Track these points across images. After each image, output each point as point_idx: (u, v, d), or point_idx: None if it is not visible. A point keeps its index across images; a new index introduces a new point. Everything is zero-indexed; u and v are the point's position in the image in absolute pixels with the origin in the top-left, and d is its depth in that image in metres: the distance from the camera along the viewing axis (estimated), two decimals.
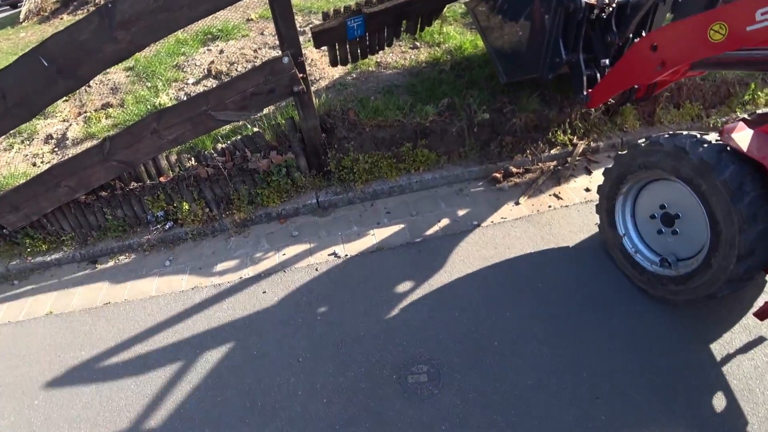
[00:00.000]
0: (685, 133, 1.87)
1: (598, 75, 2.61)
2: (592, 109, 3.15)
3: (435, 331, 2.11)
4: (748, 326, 1.95)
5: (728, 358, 1.85)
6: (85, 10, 10.80)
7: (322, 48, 3.04)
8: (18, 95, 2.50)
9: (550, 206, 2.78)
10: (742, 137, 1.69)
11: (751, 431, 1.62)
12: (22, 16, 13.67)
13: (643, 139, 2.04)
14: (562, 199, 2.84)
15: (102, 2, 10.32)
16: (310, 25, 4.63)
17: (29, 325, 2.68)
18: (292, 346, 2.15)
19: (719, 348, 1.89)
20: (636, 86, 2.62)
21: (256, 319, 2.34)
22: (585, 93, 2.61)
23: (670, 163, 1.84)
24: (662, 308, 2.07)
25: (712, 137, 1.80)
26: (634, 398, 1.76)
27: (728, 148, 1.71)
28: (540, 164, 3.08)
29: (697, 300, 1.93)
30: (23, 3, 15.52)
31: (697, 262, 1.86)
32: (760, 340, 1.89)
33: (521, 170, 3.04)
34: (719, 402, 1.71)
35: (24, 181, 3.08)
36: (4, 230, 3.11)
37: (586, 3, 2.34)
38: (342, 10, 2.83)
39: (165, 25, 2.35)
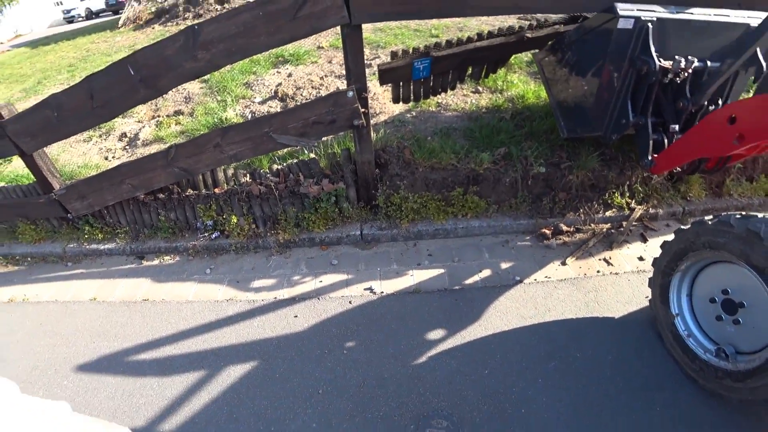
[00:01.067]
0: (760, 215, 1.73)
1: (666, 141, 2.50)
2: (654, 174, 3.01)
3: (461, 386, 2.00)
4: None
5: None
6: (175, 23, 11.78)
7: (387, 85, 3.12)
8: (104, 97, 2.71)
9: (598, 271, 2.63)
10: None
11: None
12: (120, 23, 15.11)
13: (711, 216, 1.90)
14: (612, 265, 2.68)
15: (190, 17, 11.14)
16: (377, 60, 4.81)
17: (73, 307, 2.82)
18: (314, 377, 2.11)
19: None
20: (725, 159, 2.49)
21: (283, 342, 2.33)
22: (650, 158, 2.49)
23: (740, 247, 1.69)
24: (712, 403, 1.87)
25: None
26: None
27: None
28: (593, 225, 2.95)
29: (756, 402, 1.73)
30: (123, 11, 17.09)
31: (761, 360, 1.67)
32: None
33: (572, 229, 2.92)
34: None
35: (94, 174, 3.30)
36: (69, 215, 3.33)
37: (660, 66, 2.27)
38: (410, 50, 2.90)
39: (242, 50, 2.49)
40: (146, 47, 2.57)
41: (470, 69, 3.14)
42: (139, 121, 4.66)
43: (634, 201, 3.04)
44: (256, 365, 2.21)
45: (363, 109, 2.64)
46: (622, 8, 2.25)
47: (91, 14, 29.39)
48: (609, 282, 2.56)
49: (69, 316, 2.76)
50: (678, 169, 2.71)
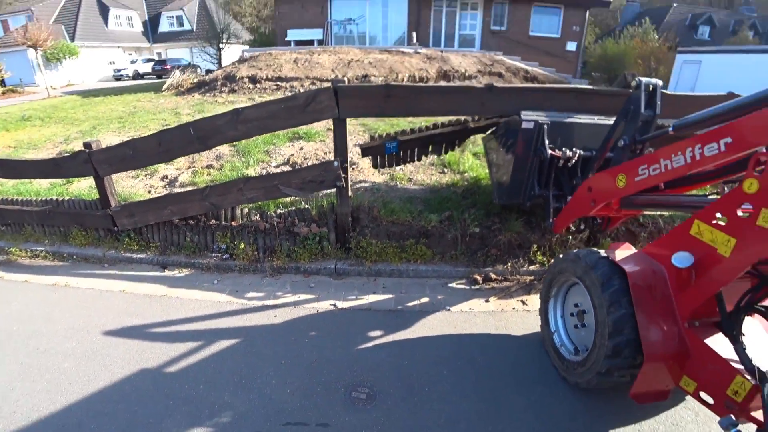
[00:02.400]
0: (586, 249, 2.65)
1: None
2: (569, 236, 3.93)
3: (385, 369, 2.81)
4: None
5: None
6: (212, 94, 13.54)
7: (367, 157, 4.25)
8: (168, 146, 3.83)
9: (514, 308, 3.48)
10: (621, 253, 2.43)
11: None
12: (164, 87, 17.17)
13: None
14: (526, 305, 3.52)
15: (226, 91, 12.95)
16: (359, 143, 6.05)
17: (106, 294, 3.74)
18: (281, 353, 2.94)
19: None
20: (598, 219, 3.44)
21: (264, 330, 3.18)
22: (551, 220, 3.46)
23: (572, 267, 2.59)
24: (578, 394, 2.62)
25: (601, 251, 2.54)
26: None
27: (607, 258, 2.43)
28: (518, 276, 3.84)
29: (593, 380, 2.39)
30: (168, 77, 19.37)
31: (589, 350, 2.43)
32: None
33: (500, 278, 3.81)
34: None
35: (144, 199, 4.35)
36: (116, 228, 4.32)
37: (551, 154, 3.31)
38: (384, 135, 4.05)
39: (268, 128, 3.65)
40: (205, 118, 3.74)
41: (431, 147, 4.25)
42: (178, 169, 5.79)
43: (552, 259, 3.93)
44: (241, 342, 3.05)
45: (344, 175, 3.71)
46: (525, 114, 3.37)
47: (137, 75, 32.59)
48: (520, 315, 3.39)
49: (101, 300, 3.65)
50: (572, 227, 3.66)
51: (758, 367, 1.80)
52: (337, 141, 3.70)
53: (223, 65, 22.55)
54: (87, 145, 4.11)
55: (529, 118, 3.36)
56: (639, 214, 3.62)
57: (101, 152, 4.08)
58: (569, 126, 3.46)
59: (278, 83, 12.68)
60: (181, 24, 38.76)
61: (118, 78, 31.59)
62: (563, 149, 3.36)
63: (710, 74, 18.07)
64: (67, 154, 4.98)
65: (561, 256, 2.81)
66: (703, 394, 2.02)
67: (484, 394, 2.64)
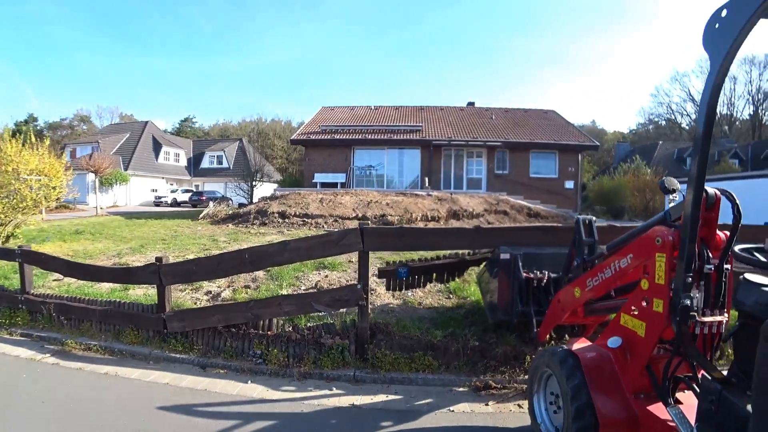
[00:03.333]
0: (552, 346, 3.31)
1: None
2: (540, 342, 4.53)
3: None
4: None
5: None
6: (245, 225, 15.06)
7: (383, 279, 5.18)
8: (225, 266, 4.84)
9: (510, 410, 3.95)
10: (579, 344, 3.11)
11: None
12: (201, 216, 19.04)
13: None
14: (522, 408, 3.94)
15: (257, 224, 14.62)
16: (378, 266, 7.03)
17: (152, 385, 4.40)
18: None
19: None
20: (576, 327, 4.20)
21: (293, 417, 3.74)
22: (535, 331, 4.18)
23: (545, 361, 3.21)
24: None
25: (564, 346, 3.20)
26: None
27: (566, 349, 3.08)
28: (515, 384, 4.34)
29: None
30: (202, 206, 21.42)
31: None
32: None
33: (499, 386, 4.31)
34: None
35: (194, 307, 5.19)
36: (166, 330, 5.08)
37: (526, 277, 4.26)
38: (398, 262, 5.03)
39: (309, 256, 4.70)
40: (258, 246, 4.84)
41: (435, 275, 5.18)
42: (219, 287, 6.73)
43: None
44: (273, 425, 3.59)
45: (365, 296, 4.58)
46: (503, 249, 4.42)
47: (174, 203, 35.81)
48: (515, 415, 3.85)
49: (148, 389, 4.28)
50: (553, 335, 4.37)
51: (691, 424, 2.35)
52: (361, 269, 4.67)
53: (254, 200, 25.07)
54: (158, 259, 5.14)
55: (506, 251, 4.41)
56: (604, 318, 4.24)
57: (169, 266, 5.09)
58: (537, 256, 4.51)
59: (305, 219, 14.26)
60: (220, 162, 43.72)
61: (158, 204, 34.82)
62: (534, 272, 4.34)
63: None
64: (140, 265, 6.02)
65: (535, 355, 3.49)
66: None
67: None
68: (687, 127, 58.37)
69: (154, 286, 6.37)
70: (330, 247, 4.64)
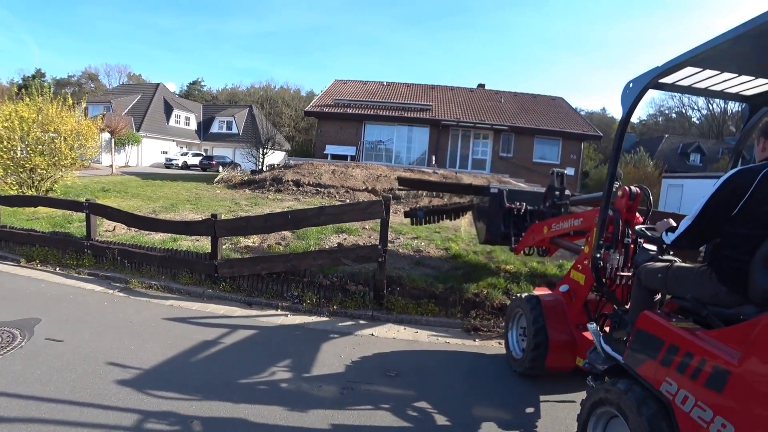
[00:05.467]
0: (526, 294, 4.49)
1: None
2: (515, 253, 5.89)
3: (407, 363, 4.47)
4: None
5: None
6: (261, 192, 16.02)
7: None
8: (270, 223, 5.94)
9: (492, 345, 5.11)
10: (541, 291, 4.31)
11: None
12: (216, 180, 19.95)
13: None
14: (501, 345, 5.05)
15: (273, 191, 15.67)
16: (404, 210, 8.16)
17: (211, 316, 5.50)
18: (339, 351, 4.65)
19: None
20: (543, 248, 5.51)
21: (324, 334, 4.91)
22: (513, 246, 5.49)
23: (518, 303, 4.38)
24: (520, 378, 4.24)
25: (533, 293, 4.39)
26: None
27: (534, 295, 4.25)
28: (497, 329, 5.50)
29: (528, 367, 4.08)
30: (211, 170, 22.32)
31: None
32: None
33: (485, 329, 5.48)
34: None
35: (240, 257, 6.33)
36: (216, 274, 6.23)
37: (508, 206, 5.57)
38: (418, 206, 6.28)
39: (341, 220, 5.81)
40: (298, 209, 5.90)
41: (444, 216, 6.55)
42: (253, 242, 7.86)
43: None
44: (316, 334, 4.77)
45: (384, 254, 5.70)
46: (493, 185, 5.76)
47: (185, 165, 36.57)
48: (496, 349, 4.98)
49: (207, 318, 5.43)
50: (525, 251, 5.65)
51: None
52: (382, 232, 5.78)
53: (264, 167, 25.98)
54: (214, 215, 6.23)
55: (496, 187, 5.79)
56: (562, 247, 5.35)
57: (223, 222, 6.20)
58: (520, 192, 5.90)
59: (318, 188, 15.30)
60: (230, 128, 44.30)
61: (168, 166, 35.58)
62: (515, 203, 5.67)
63: (692, 196, 20.98)
64: (198, 220, 7.15)
65: (510, 301, 4.66)
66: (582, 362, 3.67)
67: (469, 376, 4.33)
68: (697, 122, 58.66)
69: (199, 239, 7.56)
70: (359, 214, 5.74)
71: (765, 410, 1.80)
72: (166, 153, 39.06)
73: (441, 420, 3.59)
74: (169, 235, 7.81)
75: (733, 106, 51.58)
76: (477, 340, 5.31)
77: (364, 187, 15.11)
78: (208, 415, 3.37)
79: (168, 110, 41.52)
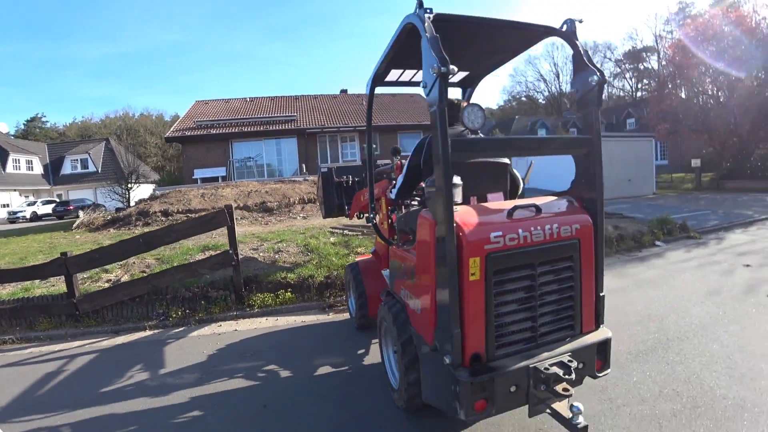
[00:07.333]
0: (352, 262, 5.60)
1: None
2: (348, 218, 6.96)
3: (268, 343, 5.29)
4: None
5: None
6: (128, 228, 15.46)
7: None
8: (123, 249, 6.29)
9: (344, 317, 6.07)
10: (360, 258, 5.47)
11: None
12: (74, 225, 18.56)
13: None
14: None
15: (140, 225, 15.26)
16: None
17: (79, 350, 5.75)
18: (206, 350, 5.29)
19: None
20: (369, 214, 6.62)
21: (193, 339, 5.50)
22: (347, 213, 6.51)
23: (346, 271, 5.56)
24: (357, 330, 5.30)
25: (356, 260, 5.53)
26: None
27: (356, 262, 5.38)
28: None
29: (359, 318, 5.27)
30: (70, 218, 20.62)
31: None
32: None
33: (339, 305, 6.48)
34: None
35: (101, 288, 6.55)
36: (78, 312, 6.39)
37: (336, 180, 6.53)
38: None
39: (190, 234, 6.36)
40: (148, 232, 6.35)
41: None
42: (116, 276, 7.96)
43: None
44: (173, 344, 5.34)
45: (236, 258, 6.43)
46: (322, 166, 7.04)
47: (35, 217, 32.52)
48: (345, 318, 6.08)
49: (70, 355, 5.66)
50: (357, 216, 6.66)
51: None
52: (230, 237, 6.49)
53: (132, 203, 24.51)
54: (63, 253, 6.36)
55: (325, 166, 6.80)
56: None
57: (75, 257, 6.37)
58: (346, 168, 6.95)
59: (188, 214, 15.17)
60: (85, 166, 40.12)
61: (12, 221, 31.32)
62: (343, 177, 6.68)
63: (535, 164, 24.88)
64: (46, 261, 7.07)
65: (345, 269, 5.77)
66: None
67: (318, 341, 5.27)
68: (543, 102, 68.40)
69: (54, 283, 7.48)
70: (207, 225, 6.37)
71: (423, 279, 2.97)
72: (8, 206, 34.17)
73: (285, 374, 4.50)
74: (20, 286, 7.56)
75: (566, 86, 61.33)
76: (331, 314, 6.32)
77: (236, 205, 15.39)
78: (75, 420, 3.84)
79: (2, 155, 36.28)
